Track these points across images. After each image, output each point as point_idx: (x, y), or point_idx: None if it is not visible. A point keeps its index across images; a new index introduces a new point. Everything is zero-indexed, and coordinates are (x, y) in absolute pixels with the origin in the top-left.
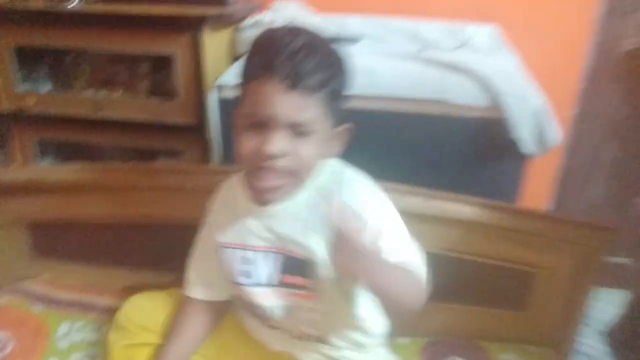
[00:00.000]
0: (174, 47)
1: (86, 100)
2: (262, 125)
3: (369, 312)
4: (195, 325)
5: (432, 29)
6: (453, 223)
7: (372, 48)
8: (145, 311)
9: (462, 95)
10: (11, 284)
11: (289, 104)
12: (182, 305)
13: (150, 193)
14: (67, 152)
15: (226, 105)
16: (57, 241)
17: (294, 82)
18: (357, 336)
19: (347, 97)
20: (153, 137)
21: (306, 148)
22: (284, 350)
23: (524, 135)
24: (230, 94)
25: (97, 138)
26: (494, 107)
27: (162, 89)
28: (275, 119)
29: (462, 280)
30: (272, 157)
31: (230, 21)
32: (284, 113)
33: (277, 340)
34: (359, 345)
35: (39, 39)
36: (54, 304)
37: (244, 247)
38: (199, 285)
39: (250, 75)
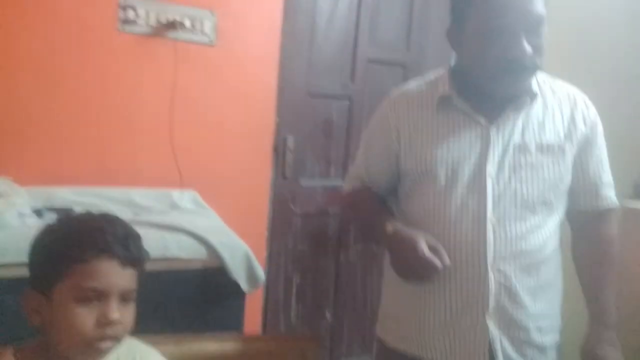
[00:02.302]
0: None
1: None
2: (98, 297)
3: None
4: None
5: (143, 195)
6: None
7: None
8: None
9: (183, 251)
10: None
11: (124, 277)
12: None
13: None
14: None
15: None
16: None
17: (128, 261)
18: None
19: None
20: None
21: (129, 315)
22: None
23: (239, 277)
24: None
25: None
26: (211, 258)
27: None
28: (114, 290)
29: None
30: (114, 323)
31: None
32: (120, 285)
33: None
34: None
35: None
36: None
37: None
38: None
39: (80, 258)
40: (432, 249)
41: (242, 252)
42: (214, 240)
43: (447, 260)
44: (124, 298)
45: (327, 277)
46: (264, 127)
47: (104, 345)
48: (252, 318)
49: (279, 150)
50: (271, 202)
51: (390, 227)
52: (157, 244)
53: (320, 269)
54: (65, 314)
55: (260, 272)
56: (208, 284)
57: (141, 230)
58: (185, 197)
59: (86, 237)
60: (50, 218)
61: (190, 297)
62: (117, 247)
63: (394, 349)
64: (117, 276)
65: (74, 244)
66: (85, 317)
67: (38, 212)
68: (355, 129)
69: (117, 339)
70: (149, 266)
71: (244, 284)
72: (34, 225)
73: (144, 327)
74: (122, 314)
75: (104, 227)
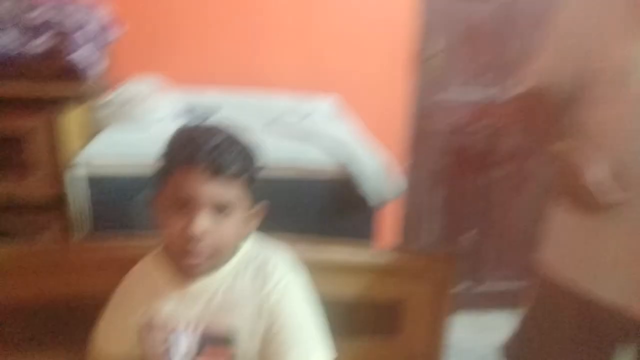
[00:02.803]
0: (29, 127)
1: None
2: (187, 206)
3: None
4: None
5: (279, 102)
6: (331, 267)
7: (231, 119)
8: None
9: (314, 160)
10: None
11: (212, 189)
12: None
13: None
14: None
15: (94, 181)
16: None
17: (216, 171)
18: None
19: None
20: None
21: (226, 227)
22: None
23: (370, 189)
24: (95, 170)
25: None
26: (342, 168)
27: (10, 169)
28: (201, 201)
29: (341, 318)
30: (196, 237)
31: (87, 98)
32: (208, 196)
33: None
34: None
35: None
36: None
37: (163, 328)
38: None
39: (172, 167)
40: (600, 181)
41: (375, 164)
42: (347, 150)
43: (617, 195)
44: (220, 210)
45: (472, 196)
46: (405, 31)
47: (190, 260)
48: (389, 233)
49: (422, 57)
50: (412, 113)
51: (559, 144)
52: (288, 152)
53: (464, 187)
54: (162, 221)
55: (395, 186)
56: (338, 194)
57: (274, 137)
58: (322, 104)
59: (178, 148)
60: (193, 118)
61: (320, 207)
62: (203, 158)
63: (559, 279)
64: (205, 187)
65: (167, 156)
66: (174, 226)
67: (182, 113)
68: (505, 34)
69: (207, 253)
70: (279, 173)
71: (374, 197)
72: (177, 126)
73: (273, 232)
74: (215, 227)
75: (198, 138)
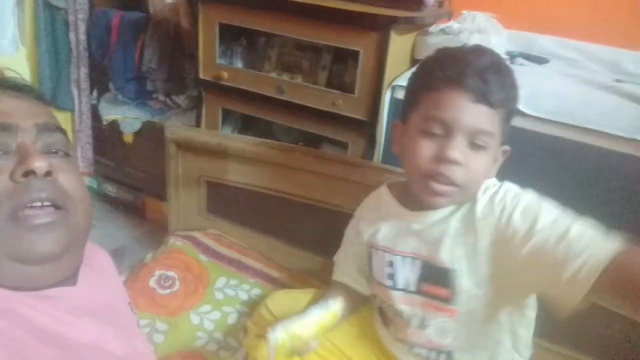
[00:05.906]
0: (361, 44)
1: (271, 81)
2: (442, 130)
3: (510, 336)
4: (336, 302)
5: (635, 59)
6: None
7: (561, 71)
8: (285, 309)
9: None
10: (184, 231)
11: (474, 114)
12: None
13: (318, 177)
14: (245, 123)
15: (398, 106)
16: (228, 202)
17: (481, 95)
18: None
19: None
20: (323, 124)
21: (477, 162)
22: None
23: None
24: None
25: (272, 115)
26: None
27: (339, 81)
28: (460, 126)
29: None
30: (452, 161)
31: (418, 25)
32: (468, 121)
33: (402, 352)
34: None
35: (240, 19)
36: (216, 258)
37: (390, 251)
38: (343, 275)
39: (431, 86)
40: None
41: None
42: None
43: None
44: (473, 141)
45: None
46: None
47: (437, 186)
48: None
49: None
50: None
51: None
52: (628, 121)
53: None
54: (410, 144)
55: None
56: None
57: (614, 100)
58: None
59: (441, 65)
60: (521, 63)
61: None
62: (469, 78)
63: None
64: (465, 111)
65: (428, 72)
66: (425, 149)
67: (511, 56)
68: None
69: (454, 183)
70: (591, 139)
71: None
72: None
73: (577, 205)
74: (468, 158)
75: (464, 57)
